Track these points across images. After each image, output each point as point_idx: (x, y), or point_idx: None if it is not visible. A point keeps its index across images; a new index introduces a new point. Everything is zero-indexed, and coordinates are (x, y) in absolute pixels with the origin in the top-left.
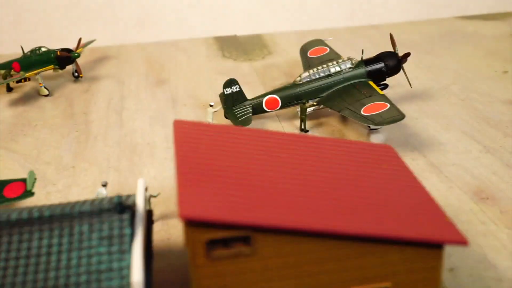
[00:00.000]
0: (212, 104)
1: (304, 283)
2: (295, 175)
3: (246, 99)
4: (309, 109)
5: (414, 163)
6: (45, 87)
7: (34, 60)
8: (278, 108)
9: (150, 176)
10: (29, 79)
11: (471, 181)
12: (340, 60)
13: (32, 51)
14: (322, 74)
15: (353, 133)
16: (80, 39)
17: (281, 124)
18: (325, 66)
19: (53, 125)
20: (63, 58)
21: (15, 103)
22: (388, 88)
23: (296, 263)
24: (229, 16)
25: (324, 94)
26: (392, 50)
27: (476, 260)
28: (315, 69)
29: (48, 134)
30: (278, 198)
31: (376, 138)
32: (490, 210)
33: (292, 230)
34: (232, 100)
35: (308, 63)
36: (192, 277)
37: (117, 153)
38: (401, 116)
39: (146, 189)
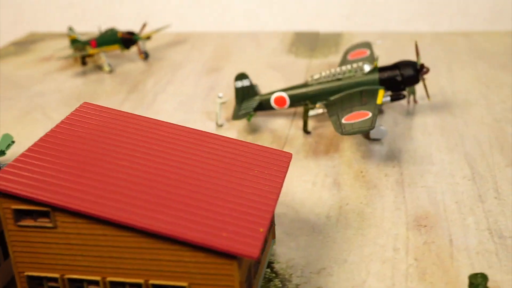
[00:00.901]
0: (220, 95)
1: (106, 266)
2: (148, 167)
3: (256, 94)
4: (312, 112)
5: (384, 179)
6: (108, 64)
7: (106, 39)
8: (286, 106)
9: None
10: (92, 56)
11: (423, 206)
12: (354, 65)
13: (106, 30)
14: (333, 77)
15: (351, 140)
16: (144, 24)
17: (293, 123)
18: (338, 69)
19: (96, 99)
20: (126, 40)
21: (79, 76)
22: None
23: (96, 245)
24: (315, 12)
25: (332, 98)
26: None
27: None
28: (327, 71)
29: None
30: (100, 185)
31: (377, 149)
32: (415, 238)
33: (83, 214)
34: (243, 94)
35: (342, 65)
36: (7, 240)
37: None
38: (369, 128)
39: None
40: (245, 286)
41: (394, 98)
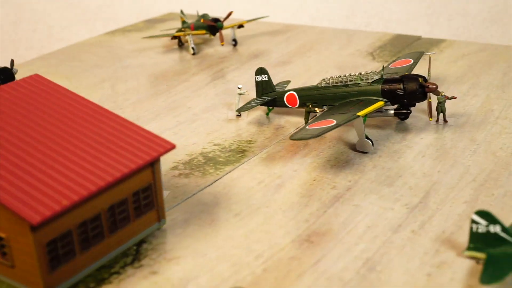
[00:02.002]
0: (240, 86)
1: None
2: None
3: (273, 90)
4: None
5: (326, 191)
6: (192, 48)
7: (198, 24)
8: (296, 106)
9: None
10: (179, 38)
11: (330, 223)
12: (363, 72)
13: (200, 16)
14: (340, 83)
15: (338, 149)
16: (230, 12)
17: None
18: (347, 74)
19: (166, 76)
20: (211, 26)
21: (166, 54)
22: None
23: None
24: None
25: (337, 103)
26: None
27: None
28: (337, 76)
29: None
30: None
31: (354, 161)
32: (294, 250)
33: None
34: (262, 88)
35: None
36: None
37: (164, 106)
38: (310, 137)
39: None
40: (45, 247)
41: (397, 113)
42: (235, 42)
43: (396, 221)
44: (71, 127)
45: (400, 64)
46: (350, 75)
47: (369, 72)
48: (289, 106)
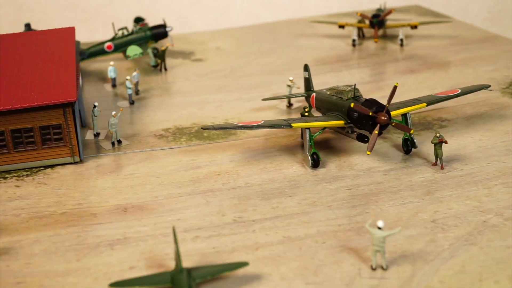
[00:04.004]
0: (291, 78)
1: None
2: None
3: (309, 88)
4: None
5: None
6: (353, 39)
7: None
8: (314, 108)
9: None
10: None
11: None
12: (348, 88)
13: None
14: (331, 94)
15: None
16: (390, 10)
17: None
18: (341, 87)
19: (321, 60)
20: (370, 22)
21: (341, 40)
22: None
23: None
24: None
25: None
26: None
27: None
28: (336, 88)
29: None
30: None
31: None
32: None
33: None
34: (305, 84)
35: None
36: None
37: (191, 86)
38: (213, 128)
39: None
40: None
41: (359, 137)
42: (401, 42)
43: None
44: (30, 60)
45: (447, 93)
46: (343, 88)
47: (352, 89)
48: (313, 107)
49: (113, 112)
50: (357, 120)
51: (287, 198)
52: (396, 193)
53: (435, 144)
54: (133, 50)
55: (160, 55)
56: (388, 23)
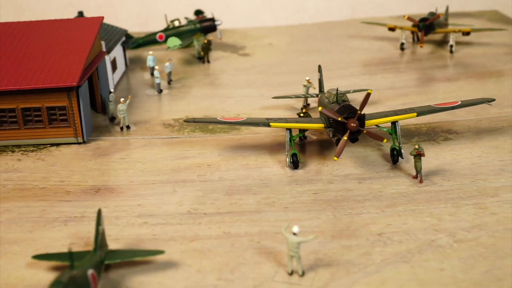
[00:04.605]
0: (307, 78)
1: None
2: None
3: (321, 90)
4: None
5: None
6: (402, 42)
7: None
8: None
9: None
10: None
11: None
12: (334, 92)
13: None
14: (328, 97)
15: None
16: (438, 15)
17: None
18: (330, 91)
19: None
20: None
21: (389, 44)
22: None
23: None
24: None
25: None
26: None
27: None
28: (329, 92)
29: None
30: None
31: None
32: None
33: None
34: (318, 84)
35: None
36: None
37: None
38: (192, 121)
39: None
40: None
41: (332, 138)
42: (451, 48)
43: None
44: (48, 46)
45: (444, 105)
46: (337, 93)
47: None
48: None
49: (122, 99)
50: (331, 124)
51: (249, 196)
52: (359, 202)
53: (414, 156)
54: (173, 42)
55: (204, 48)
56: (441, 28)
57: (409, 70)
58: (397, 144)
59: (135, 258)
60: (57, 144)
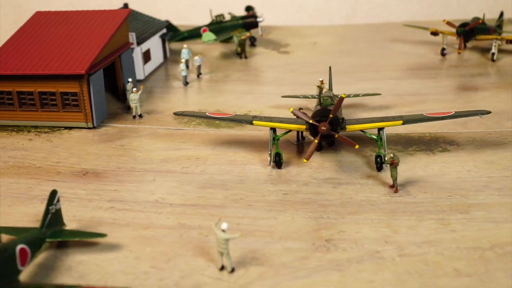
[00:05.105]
0: (321, 79)
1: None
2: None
3: (330, 90)
4: None
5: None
6: (443, 47)
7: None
8: None
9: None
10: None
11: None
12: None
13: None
14: (322, 95)
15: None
16: (478, 20)
17: None
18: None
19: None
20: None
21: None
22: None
23: None
24: None
25: None
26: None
27: None
28: (326, 91)
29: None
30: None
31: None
32: None
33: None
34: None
35: None
36: None
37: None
38: (182, 113)
39: None
40: None
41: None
42: (492, 56)
43: None
44: (70, 35)
45: (437, 114)
46: (330, 93)
47: (331, 95)
48: None
49: (134, 89)
50: (307, 126)
51: (220, 191)
52: (323, 207)
53: (390, 165)
54: (208, 36)
55: (241, 44)
56: (483, 35)
57: (440, 76)
58: (382, 151)
59: (77, 239)
60: (70, 128)
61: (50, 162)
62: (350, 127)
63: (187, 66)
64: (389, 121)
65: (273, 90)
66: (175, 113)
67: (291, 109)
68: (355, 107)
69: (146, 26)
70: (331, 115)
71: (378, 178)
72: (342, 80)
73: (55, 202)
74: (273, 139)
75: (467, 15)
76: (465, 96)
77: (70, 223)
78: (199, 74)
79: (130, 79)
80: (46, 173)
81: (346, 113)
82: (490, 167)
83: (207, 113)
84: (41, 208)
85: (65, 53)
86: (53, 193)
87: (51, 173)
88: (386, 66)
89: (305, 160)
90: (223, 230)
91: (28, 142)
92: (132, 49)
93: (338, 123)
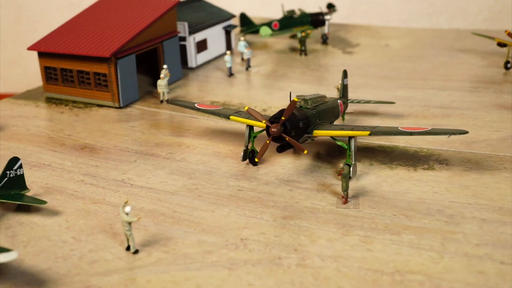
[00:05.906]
0: (340, 82)
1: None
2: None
3: (343, 95)
4: None
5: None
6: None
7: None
8: None
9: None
10: None
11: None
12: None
13: None
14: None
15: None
16: None
17: None
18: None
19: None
20: None
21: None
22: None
23: None
24: None
25: None
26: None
27: None
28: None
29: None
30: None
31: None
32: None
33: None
34: (343, 90)
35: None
36: None
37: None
38: (173, 102)
39: None
40: (44, 69)
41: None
42: None
43: None
44: (110, 20)
45: (412, 129)
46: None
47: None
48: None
49: (161, 75)
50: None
51: (183, 179)
52: (265, 207)
53: (339, 175)
54: (265, 31)
55: (302, 40)
56: None
57: (486, 91)
58: (350, 161)
59: (19, 202)
60: (101, 106)
61: (62, 134)
62: (317, 133)
63: (243, 59)
64: (358, 130)
65: (307, 89)
66: (168, 101)
67: (247, 107)
68: (372, 114)
69: (208, 17)
70: (283, 118)
71: (339, 187)
72: (382, 85)
73: (15, 168)
74: (249, 135)
75: None
76: (495, 115)
77: (37, 189)
78: (247, 67)
79: (165, 66)
80: (52, 143)
81: (357, 119)
82: (460, 192)
83: (196, 104)
84: (27, 174)
85: (102, 37)
86: (14, 159)
87: (56, 144)
88: (438, 75)
89: (256, 160)
90: (127, 213)
91: (58, 114)
92: (179, 37)
93: (294, 126)
